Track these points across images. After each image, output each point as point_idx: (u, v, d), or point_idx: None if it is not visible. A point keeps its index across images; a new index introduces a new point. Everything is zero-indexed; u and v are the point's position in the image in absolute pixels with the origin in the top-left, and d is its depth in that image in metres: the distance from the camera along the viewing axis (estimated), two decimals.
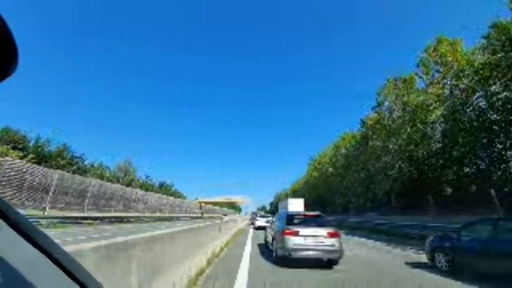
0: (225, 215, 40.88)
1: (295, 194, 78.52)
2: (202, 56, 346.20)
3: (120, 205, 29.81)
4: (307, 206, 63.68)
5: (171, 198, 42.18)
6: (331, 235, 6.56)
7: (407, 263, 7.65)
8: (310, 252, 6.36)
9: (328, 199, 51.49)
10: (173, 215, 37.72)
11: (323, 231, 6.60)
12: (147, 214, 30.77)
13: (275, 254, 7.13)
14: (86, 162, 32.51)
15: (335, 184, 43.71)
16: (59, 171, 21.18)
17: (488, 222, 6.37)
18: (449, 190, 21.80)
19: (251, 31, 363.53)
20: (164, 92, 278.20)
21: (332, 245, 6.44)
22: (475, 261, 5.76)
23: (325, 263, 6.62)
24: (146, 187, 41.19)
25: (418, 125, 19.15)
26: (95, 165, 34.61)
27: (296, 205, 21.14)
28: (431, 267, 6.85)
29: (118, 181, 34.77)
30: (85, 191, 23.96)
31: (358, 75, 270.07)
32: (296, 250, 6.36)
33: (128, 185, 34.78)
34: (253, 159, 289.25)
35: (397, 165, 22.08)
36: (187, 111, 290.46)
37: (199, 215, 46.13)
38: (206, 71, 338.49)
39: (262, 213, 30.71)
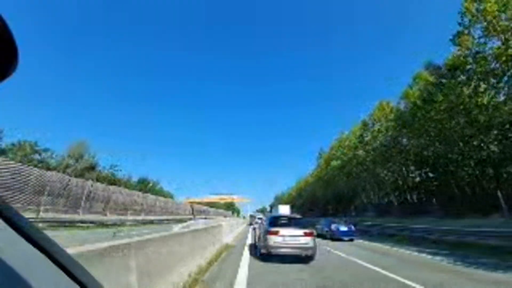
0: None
1: (302, 192, 69.56)
2: (202, 56, 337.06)
3: (59, 204, 19.09)
4: (320, 207, 54.21)
5: (150, 196, 30.94)
6: (307, 235, 7.48)
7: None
8: (288, 249, 7.25)
9: (352, 195, 41.37)
10: (153, 217, 29.09)
11: (300, 231, 7.49)
12: (98, 218, 19.65)
13: (258, 251, 8.15)
14: (7, 141, 20.81)
15: (370, 173, 33.74)
16: None
17: (327, 218, 19.24)
18: None
19: (251, 31, 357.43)
20: (164, 92, 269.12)
21: (307, 243, 7.36)
22: (322, 233, 15.70)
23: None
24: (112, 180, 29.71)
25: None
26: (26, 145, 22.60)
27: (284, 211, 23.89)
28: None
29: (64, 171, 23.41)
30: None
31: (358, 75, 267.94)
32: (275, 247, 7.23)
33: (81, 175, 23.48)
34: (254, 160, 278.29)
35: None
36: (188, 111, 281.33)
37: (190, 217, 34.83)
38: (206, 71, 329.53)
39: (261, 215, 28.45)
